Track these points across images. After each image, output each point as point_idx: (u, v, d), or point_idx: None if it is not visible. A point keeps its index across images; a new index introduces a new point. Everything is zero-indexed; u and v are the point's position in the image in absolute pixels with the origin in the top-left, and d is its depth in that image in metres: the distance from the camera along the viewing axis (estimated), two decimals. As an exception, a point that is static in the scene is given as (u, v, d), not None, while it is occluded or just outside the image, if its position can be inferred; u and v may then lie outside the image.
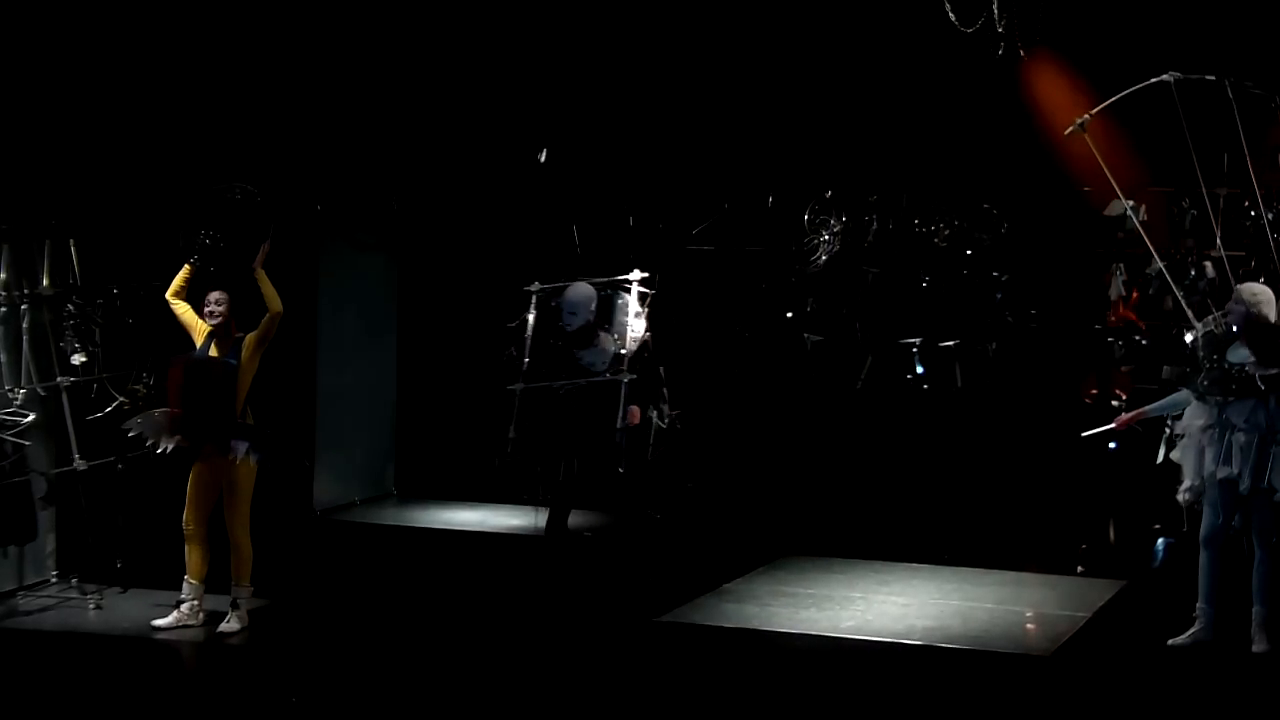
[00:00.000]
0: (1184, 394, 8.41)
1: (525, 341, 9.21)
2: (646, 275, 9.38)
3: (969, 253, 11.67)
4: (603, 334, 9.21)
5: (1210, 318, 8.30)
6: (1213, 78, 8.84)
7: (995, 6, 11.06)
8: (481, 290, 12.47)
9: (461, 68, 11.88)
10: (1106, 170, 8.81)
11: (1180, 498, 8.44)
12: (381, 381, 12.29)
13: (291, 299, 11.32)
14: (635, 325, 9.21)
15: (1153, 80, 8.96)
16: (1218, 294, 9.91)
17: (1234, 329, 8.14)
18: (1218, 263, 10.77)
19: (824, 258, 11.53)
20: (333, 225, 11.69)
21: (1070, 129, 8.88)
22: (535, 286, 9.42)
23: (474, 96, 12.00)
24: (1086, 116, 8.86)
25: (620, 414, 9.05)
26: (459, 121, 12.04)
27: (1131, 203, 10.90)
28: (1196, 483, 8.32)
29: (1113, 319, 11.30)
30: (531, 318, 9.26)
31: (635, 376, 9.09)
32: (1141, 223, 10.92)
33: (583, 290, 9.14)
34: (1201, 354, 8.18)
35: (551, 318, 9.26)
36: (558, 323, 9.16)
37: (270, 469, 8.55)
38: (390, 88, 11.60)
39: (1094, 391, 11.22)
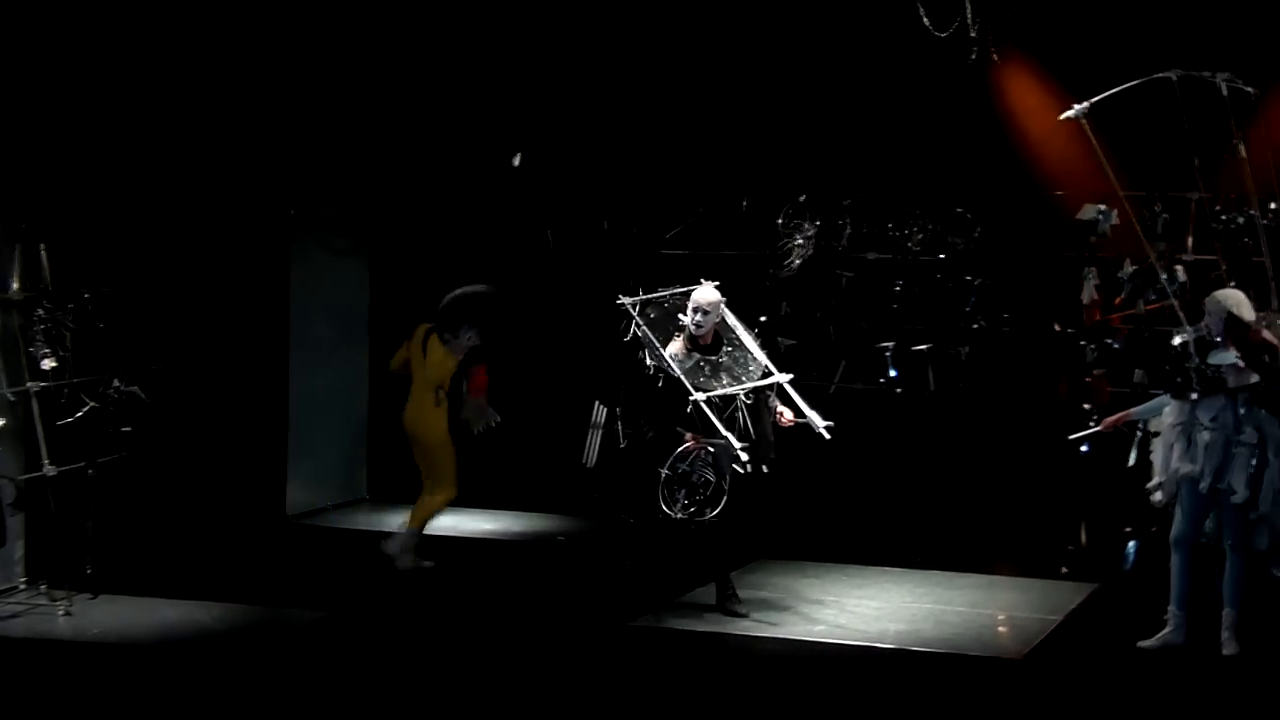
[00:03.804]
0: (1167, 397, 8.46)
1: (656, 351, 8.88)
2: (717, 285, 9.18)
3: (942, 256, 11.68)
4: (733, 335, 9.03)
5: (1200, 322, 8.35)
6: (1209, 74, 8.88)
7: (968, 11, 11.09)
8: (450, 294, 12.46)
9: (434, 71, 11.87)
10: (1103, 159, 8.82)
11: (1152, 496, 8.48)
12: (354, 386, 12.26)
13: (264, 303, 11.36)
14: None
15: (1156, 76, 8.98)
16: (1189, 297, 9.93)
17: (1217, 334, 8.21)
18: (1189, 266, 10.83)
19: (798, 261, 11.52)
20: (305, 229, 11.67)
21: (1068, 114, 8.88)
22: (631, 299, 9.16)
23: (446, 100, 11.98)
24: (1086, 105, 8.87)
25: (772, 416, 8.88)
26: (431, 125, 12.02)
27: (1103, 206, 10.94)
28: (1164, 480, 8.36)
29: (1089, 321, 11.33)
30: (642, 330, 8.95)
31: (792, 376, 8.91)
32: (1114, 226, 10.96)
33: (712, 293, 8.96)
34: (1192, 356, 8.22)
35: (660, 326, 9.00)
36: (675, 329, 8.91)
37: None
38: (363, 91, 11.58)
39: (1075, 396, 11.25)
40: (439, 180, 12.23)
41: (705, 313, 8.89)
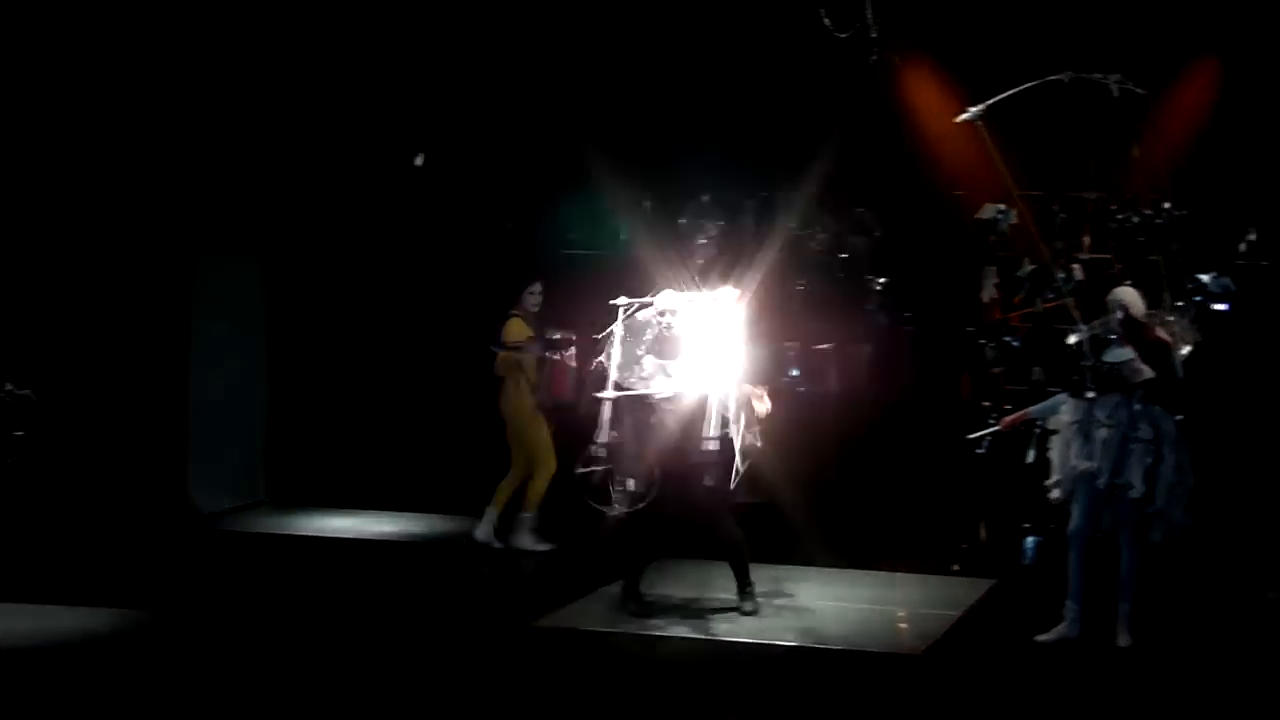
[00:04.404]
0: (1065, 395, 8.55)
1: (609, 350, 8.88)
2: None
3: (844, 256, 11.75)
4: None
5: (1096, 321, 8.44)
6: (1101, 76, 8.98)
7: (869, 12, 11.16)
8: (351, 295, 12.38)
9: (330, 72, 11.78)
10: (999, 161, 8.91)
11: (1050, 494, 8.58)
12: (252, 388, 12.14)
13: (164, 306, 11.22)
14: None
15: (1049, 78, 9.07)
16: (1085, 296, 10.05)
17: (1113, 332, 8.31)
18: (1085, 265, 10.96)
19: (702, 262, 11.54)
20: (205, 232, 11.53)
21: (964, 116, 8.96)
22: (626, 300, 9.10)
23: (343, 101, 11.90)
24: (982, 107, 8.95)
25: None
26: (328, 126, 11.94)
27: (1002, 206, 11.04)
28: (1063, 477, 8.46)
29: (989, 320, 11.43)
30: (617, 330, 8.90)
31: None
32: (1013, 226, 11.06)
33: (674, 298, 8.97)
34: (1087, 354, 8.31)
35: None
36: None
37: None
38: (257, 93, 11.47)
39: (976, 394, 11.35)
40: (336, 181, 12.14)
41: (673, 313, 8.94)
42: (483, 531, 10.58)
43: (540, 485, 10.54)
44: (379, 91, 11.96)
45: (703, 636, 8.51)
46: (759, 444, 8.82)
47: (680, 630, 8.61)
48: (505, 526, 10.61)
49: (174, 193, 11.14)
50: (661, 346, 8.92)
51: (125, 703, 7.35)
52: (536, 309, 10.73)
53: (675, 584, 9.51)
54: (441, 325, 12.39)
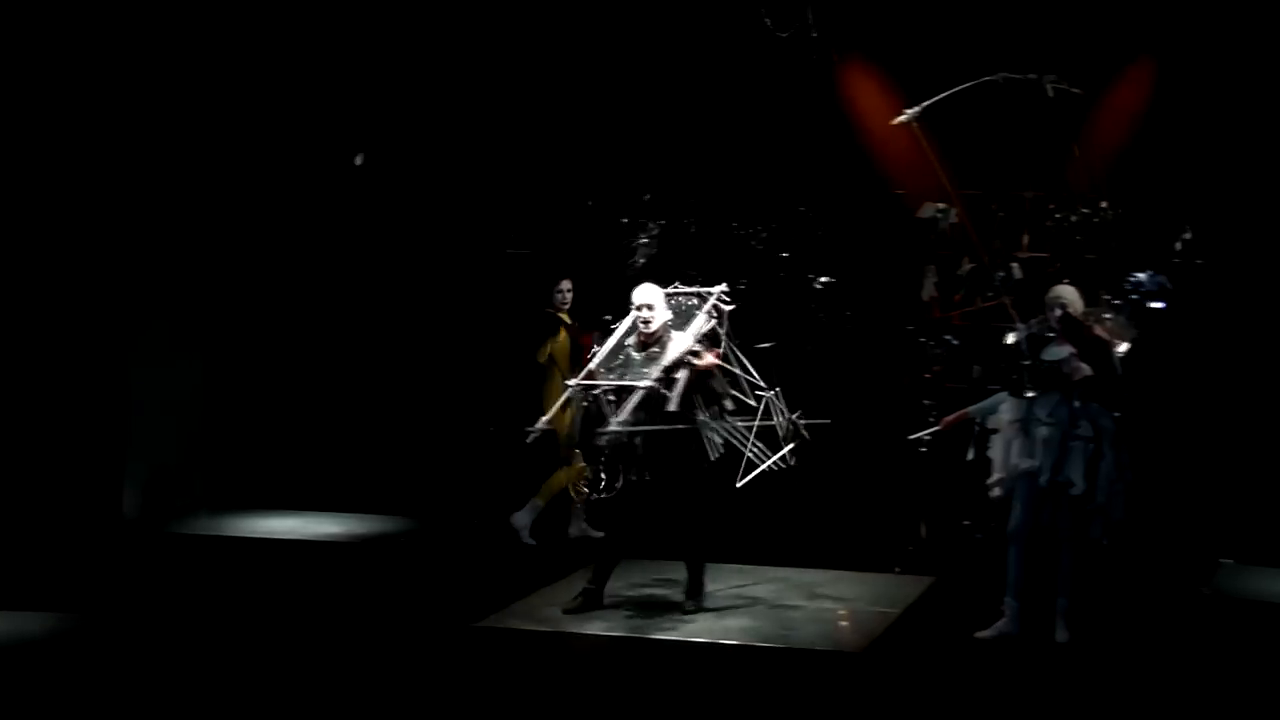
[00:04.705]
0: (1005, 394, 8.59)
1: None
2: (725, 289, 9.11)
3: (785, 255, 11.77)
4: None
5: (1033, 319, 8.48)
6: (1035, 76, 9.04)
7: (809, 13, 11.20)
8: (290, 295, 12.31)
9: (272, 72, 11.71)
10: (935, 162, 8.95)
11: (992, 492, 8.62)
12: (191, 392, 12.02)
13: (101, 308, 11.11)
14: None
15: (984, 79, 9.12)
16: (1024, 294, 10.11)
17: (1051, 330, 8.35)
18: (1024, 263, 11.03)
19: (642, 260, 11.53)
20: (143, 233, 11.42)
21: (900, 119, 8.99)
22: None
23: (284, 102, 11.84)
24: (918, 109, 8.99)
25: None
26: (269, 127, 11.87)
27: (942, 205, 11.10)
28: (1004, 475, 8.50)
29: (929, 318, 11.48)
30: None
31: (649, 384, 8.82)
32: (952, 225, 11.12)
33: (646, 292, 8.99)
34: (1025, 353, 8.35)
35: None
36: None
37: None
38: (198, 92, 11.40)
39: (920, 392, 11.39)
40: (278, 182, 12.07)
41: (649, 308, 8.92)
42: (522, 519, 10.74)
43: (562, 478, 10.62)
44: (316, 91, 11.90)
45: (643, 636, 8.49)
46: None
47: (620, 630, 8.59)
48: (562, 519, 10.79)
49: (112, 194, 11.03)
50: (638, 339, 8.92)
51: (59, 709, 7.26)
52: (566, 306, 10.75)
53: (612, 582, 9.47)
54: (381, 325, 12.34)
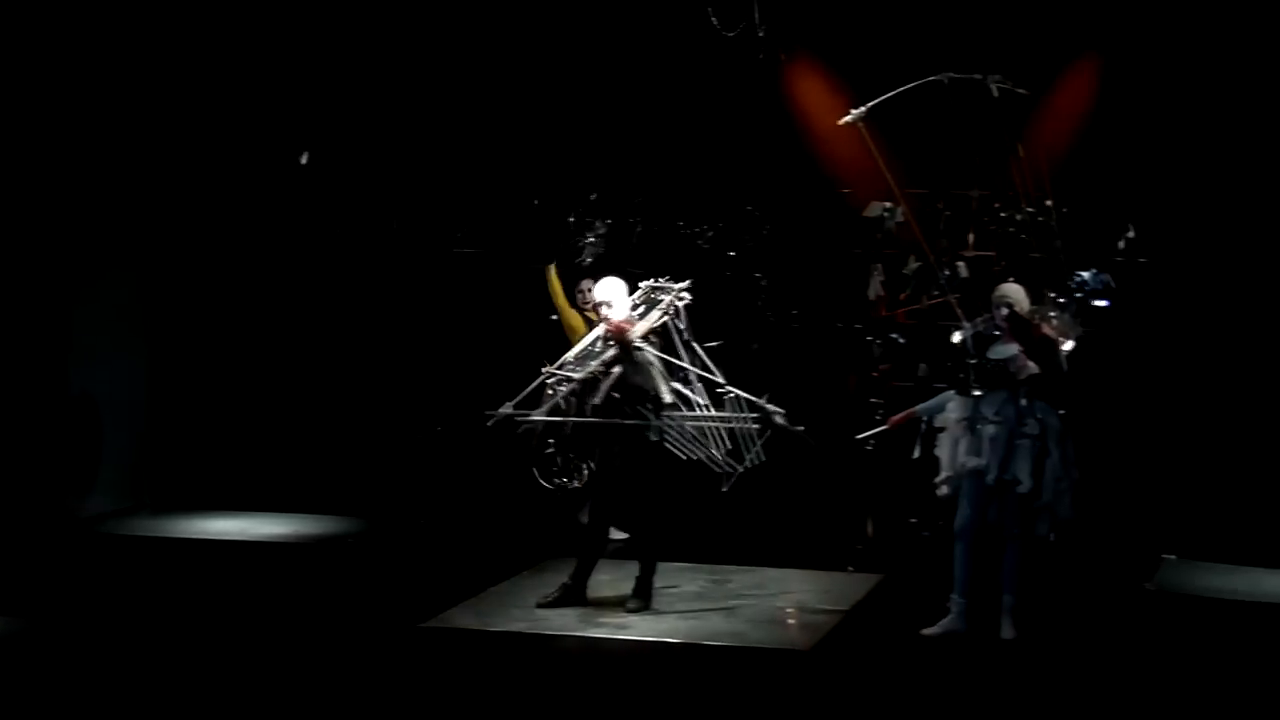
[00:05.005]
0: (952, 392, 8.61)
1: None
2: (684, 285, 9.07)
3: (732, 254, 11.78)
4: None
5: (979, 318, 8.52)
6: (980, 77, 9.08)
7: (756, 12, 11.21)
8: (234, 294, 12.23)
9: (214, 73, 11.63)
10: (881, 162, 8.97)
11: (939, 490, 8.65)
12: (133, 390, 11.92)
13: (42, 305, 10.99)
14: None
15: (929, 79, 9.15)
16: (970, 293, 10.15)
17: (997, 328, 8.39)
18: (971, 262, 11.09)
19: (589, 259, 11.51)
20: (85, 232, 11.31)
21: (846, 119, 9.01)
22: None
23: (223, 104, 11.75)
24: (863, 109, 9.01)
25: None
26: (210, 127, 11.79)
27: (888, 204, 11.14)
28: (951, 474, 8.53)
29: (875, 317, 11.52)
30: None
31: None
32: (899, 224, 11.16)
33: (606, 288, 9.00)
34: (971, 351, 8.38)
35: None
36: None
37: None
38: (139, 97, 11.31)
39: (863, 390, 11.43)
40: (215, 180, 11.99)
41: (608, 305, 8.94)
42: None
43: None
44: (259, 92, 11.82)
45: (590, 634, 8.48)
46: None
47: (568, 629, 8.58)
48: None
49: (53, 195, 10.92)
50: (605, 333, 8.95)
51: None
52: (588, 306, 10.44)
53: (560, 582, 9.45)
54: (328, 324, 12.27)
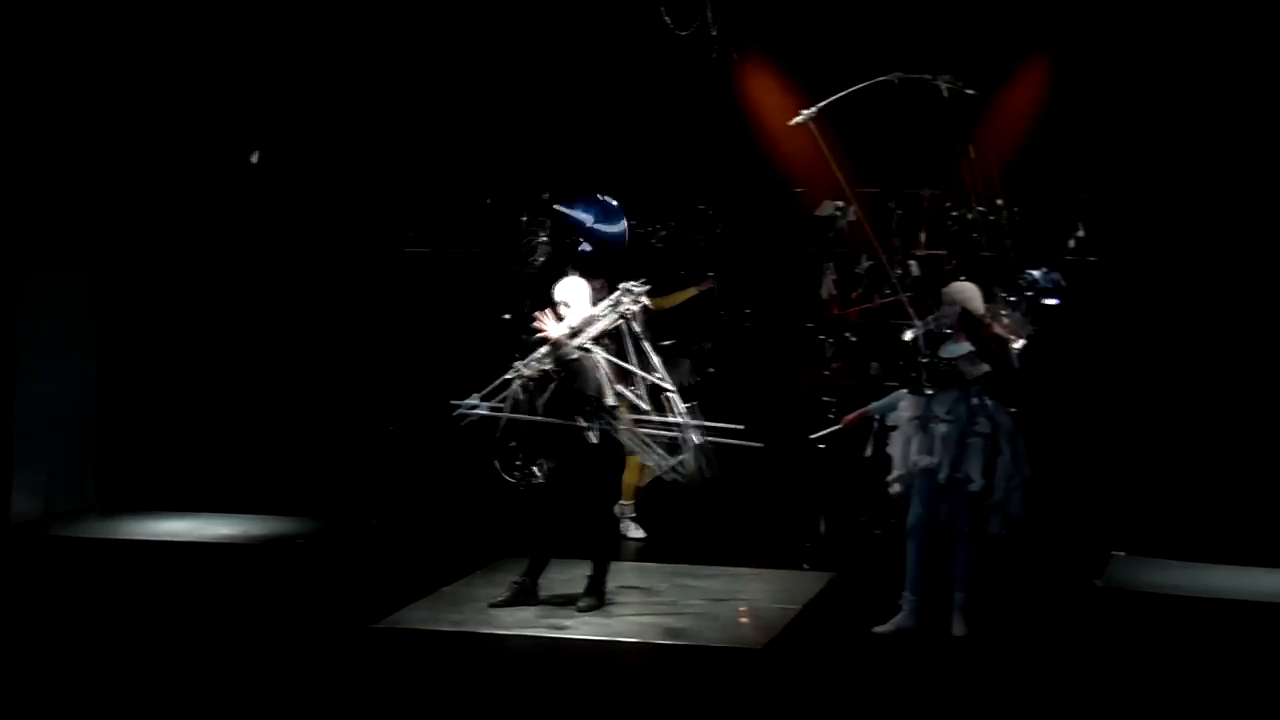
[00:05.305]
0: (904, 391, 8.64)
1: None
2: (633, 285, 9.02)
3: (685, 253, 11.79)
4: None
5: (930, 316, 8.54)
6: (930, 77, 9.11)
7: (709, 11, 11.22)
8: (183, 295, 12.16)
9: (161, 72, 11.55)
10: (831, 162, 8.99)
11: (891, 488, 8.67)
12: (81, 391, 11.82)
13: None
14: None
15: (879, 79, 9.18)
16: (922, 291, 10.20)
17: (949, 327, 8.42)
18: (923, 260, 11.14)
19: (541, 259, 11.50)
20: (32, 231, 11.21)
21: (797, 120, 9.02)
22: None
23: (171, 102, 11.68)
24: (814, 110, 9.02)
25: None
26: (165, 123, 11.71)
27: (840, 203, 11.18)
28: (904, 472, 8.56)
29: (828, 315, 11.56)
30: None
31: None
32: (850, 223, 11.20)
33: (567, 286, 9.04)
34: (923, 350, 8.40)
35: None
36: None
37: None
38: (85, 98, 11.22)
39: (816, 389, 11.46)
40: (165, 181, 11.91)
41: (565, 304, 8.95)
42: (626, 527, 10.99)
43: (632, 477, 10.86)
44: (209, 91, 11.75)
45: (543, 634, 8.46)
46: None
47: (521, 628, 8.56)
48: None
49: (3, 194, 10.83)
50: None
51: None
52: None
53: (512, 582, 9.44)
54: (277, 323, 12.21)
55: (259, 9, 11.65)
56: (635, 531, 10.97)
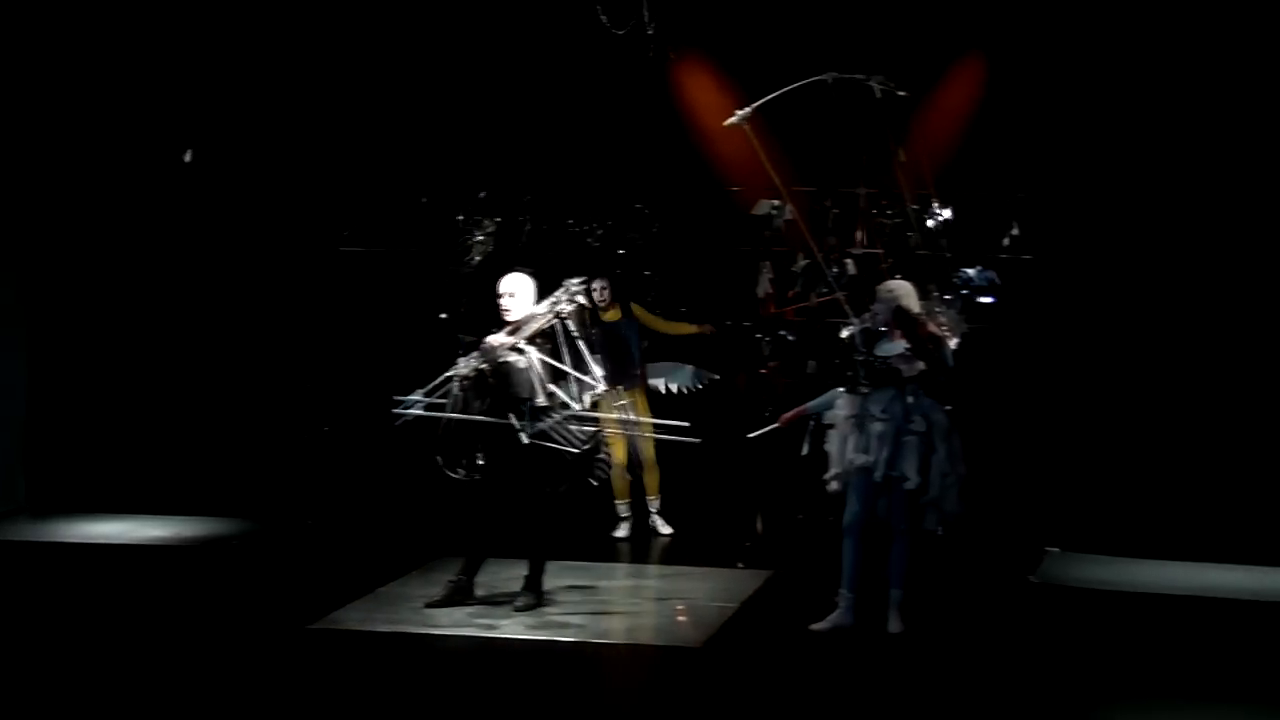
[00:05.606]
0: (841, 389, 8.66)
1: None
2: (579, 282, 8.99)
3: (621, 252, 11.80)
4: None
5: (866, 314, 8.57)
6: (863, 77, 9.15)
7: (645, 10, 11.22)
8: (115, 295, 12.04)
9: (95, 69, 11.44)
10: (766, 162, 9.00)
11: (829, 486, 8.70)
12: (10, 391, 11.67)
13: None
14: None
15: (813, 79, 9.21)
16: (858, 290, 10.24)
17: (884, 325, 8.45)
18: (859, 259, 11.18)
19: (478, 258, 11.47)
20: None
21: (731, 120, 9.04)
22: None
23: (107, 98, 11.57)
24: (748, 110, 9.04)
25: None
26: (98, 120, 11.59)
27: (777, 202, 11.21)
28: (840, 470, 8.59)
29: (764, 314, 11.58)
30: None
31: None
32: (787, 221, 11.24)
33: (510, 281, 8.98)
34: (859, 348, 8.43)
35: None
36: None
37: None
38: (17, 93, 11.09)
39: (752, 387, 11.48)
40: (105, 175, 11.79)
41: (510, 295, 8.91)
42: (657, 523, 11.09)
43: (650, 480, 11.03)
44: (141, 89, 11.65)
45: (479, 634, 8.43)
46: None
47: (457, 627, 8.53)
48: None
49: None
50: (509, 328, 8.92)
51: None
52: (603, 304, 10.79)
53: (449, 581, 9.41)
54: (212, 323, 12.11)
55: (191, 8, 11.55)
56: (664, 528, 11.04)
